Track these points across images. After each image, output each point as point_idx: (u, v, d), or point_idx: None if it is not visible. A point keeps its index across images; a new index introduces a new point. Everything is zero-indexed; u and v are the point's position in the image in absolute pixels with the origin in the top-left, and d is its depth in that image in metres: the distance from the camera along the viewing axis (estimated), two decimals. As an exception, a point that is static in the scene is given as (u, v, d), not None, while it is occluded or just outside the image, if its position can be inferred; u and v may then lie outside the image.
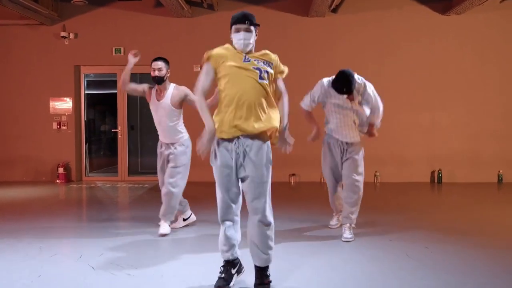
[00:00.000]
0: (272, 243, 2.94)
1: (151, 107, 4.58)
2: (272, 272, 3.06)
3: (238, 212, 3.01)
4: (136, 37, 8.64)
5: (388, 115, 8.38)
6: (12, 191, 7.58)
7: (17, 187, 7.97)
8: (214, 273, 3.10)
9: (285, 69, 3.16)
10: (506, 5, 8.31)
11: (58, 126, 8.72)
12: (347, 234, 4.32)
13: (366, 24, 8.58)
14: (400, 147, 8.57)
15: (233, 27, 3.02)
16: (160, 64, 4.47)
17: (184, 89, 4.53)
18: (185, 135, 4.64)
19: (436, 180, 8.52)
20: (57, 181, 8.53)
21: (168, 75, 4.55)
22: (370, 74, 8.28)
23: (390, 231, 4.75)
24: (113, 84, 9.21)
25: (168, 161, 4.58)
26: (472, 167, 8.50)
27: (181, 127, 4.64)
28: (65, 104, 8.74)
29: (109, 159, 10.00)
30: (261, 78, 2.92)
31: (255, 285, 2.97)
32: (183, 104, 4.57)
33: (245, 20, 2.99)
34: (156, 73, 4.45)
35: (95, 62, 8.78)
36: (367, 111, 4.31)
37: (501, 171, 8.45)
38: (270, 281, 2.99)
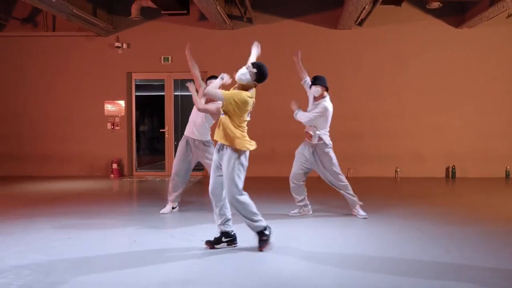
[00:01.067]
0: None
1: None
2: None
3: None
4: (182, 47, 9.57)
5: (407, 116, 9.52)
6: (81, 183, 8.55)
7: (81, 180, 8.94)
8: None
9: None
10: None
11: (112, 127, 9.69)
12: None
13: (388, 36, 9.60)
14: (418, 145, 9.57)
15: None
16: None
17: None
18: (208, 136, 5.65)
19: (450, 175, 9.53)
20: (111, 175, 9.49)
21: None
22: (391, 81, 9.47)
23: (405, 213, 5.74)
24: (159, 87, 10.19)
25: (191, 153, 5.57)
26: (482, 164, 9.51)
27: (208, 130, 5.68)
28: (118, 107, 9.71)
29: (154, 157, 10.98)
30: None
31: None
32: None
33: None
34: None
35: (145, 69, 9.77)
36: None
37: (508, 167, 9.46)
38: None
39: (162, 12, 9.16)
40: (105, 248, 4.14)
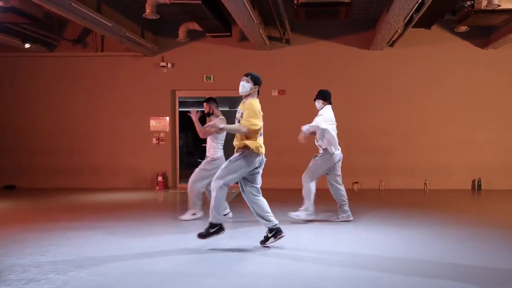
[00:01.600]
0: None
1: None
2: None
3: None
4: (223, 66, 10.22)
5: (435, 132, 10.13)
6: (131, 195, 9.09)
7: (130, 192, 9.49)
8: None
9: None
10: (535, 41, 9.96)
11: (157, 141, 10.26)
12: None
13: (417, 57, 10.19)
14: (446, 159, 10.16)
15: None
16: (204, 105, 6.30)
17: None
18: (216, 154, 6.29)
19: (476, 188, 10.12)
20: (157, 187, 10.06)
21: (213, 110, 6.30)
22: (420, 99, 10.08)
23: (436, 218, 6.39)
24: (200, 103, 10.71)
25: None
26: (506, 176, 10.10)
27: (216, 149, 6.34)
28: (162, 123, 10.28)
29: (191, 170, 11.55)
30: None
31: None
32: None
33: (248, 74, 4.70)
34: (206, 110, 6.27)
35: (188, 87, 10.36)
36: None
37: (531, 179, 10.08)
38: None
39: (207, 34, 9.72)
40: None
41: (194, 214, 6.24)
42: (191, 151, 11.46)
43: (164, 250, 4.75)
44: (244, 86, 4.64)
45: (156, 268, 4.07)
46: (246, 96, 4.68)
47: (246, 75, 4.69)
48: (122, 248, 4.82)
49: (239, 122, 4.62)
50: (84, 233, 5.56)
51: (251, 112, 4.52)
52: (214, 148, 6.18)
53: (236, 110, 4.79)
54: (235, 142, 4.69)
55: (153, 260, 4.35)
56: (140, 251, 4.70)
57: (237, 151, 4.64)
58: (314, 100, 6.35)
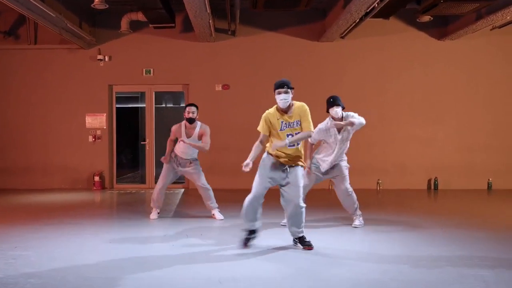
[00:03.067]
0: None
1: (180, 140, 5.94)
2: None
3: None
4: (164, 59, 9.61)
5: (390, 129, 9.51)
6: (74, 196, 8.55)
7: (65, 193, 8.91)
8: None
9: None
10: (495, 32, 9.36)
11: (93, 139, 9.65)
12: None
13: (370, 49, 9.59)
14: (401, 157, 9.58)
15: (276, 91, 4.39)
16: (193, 109, 5.95)
17: (206, 128, 5.99)
18: (196, 155, 6.18)
19: (432, 187, 9.53)
20: (94, 188, 9.46)
21: (197, 117, 5.99)
22: (374, 93, 9.43)
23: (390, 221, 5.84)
24: (137, 99, 10.19)
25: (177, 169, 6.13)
26: (465, 176, 9.52)
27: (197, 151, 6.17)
28: (99, 120, 9.67)
29: (128, 170, 11.06)
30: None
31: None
32: None
33: (283, 85, 4.35)
34: (190, 115, 5.92)
35: (126, 81, 9.72)
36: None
37: (490, 179, 9.47)
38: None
39: (151, 25, 9.13)
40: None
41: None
42: (131, 148, 10.92)
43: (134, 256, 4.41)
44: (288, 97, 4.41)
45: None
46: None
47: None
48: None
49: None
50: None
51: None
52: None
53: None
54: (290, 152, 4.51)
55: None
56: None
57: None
58: (331, 108, 5.47)
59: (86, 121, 9.68)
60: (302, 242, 4.60)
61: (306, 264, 4.17)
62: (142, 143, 9.94)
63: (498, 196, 8.72)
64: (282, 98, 4.32)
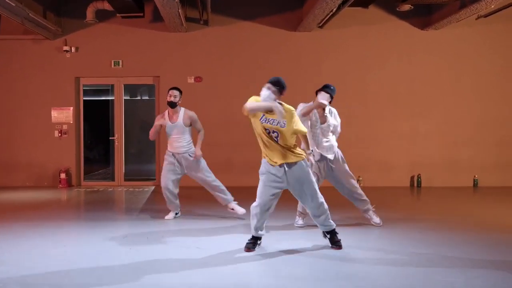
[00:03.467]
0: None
1: (166, 128, 5.62)
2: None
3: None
4: (134, 50, 9.16)
5: (371, 123, 9.04)
6: (38, 194, 8.14)
7: (29, 191, 8.45)
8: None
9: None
10: (480, 22, 8.90)
11: (59, 134, 9.19)
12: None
13: (350, 39, 9.13)
14: (382, 153, 9.11)
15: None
16: (176, 92, 5.58)
17: (193, 114, 5.66)
18: (192, 147, 5.72)
19: (415, 184, 9.05)
20: (60, 185, 9.00)
21: (180, 101, 5.62)
22: (355, 86, 8.97)
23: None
24: (107, 91, 9.73)
25: (180, 166, 5.69)
26: (449, 172, 9.05)
27: (191, 140, 5.75)
28: (66, 114, 9.21)
29: (100, 166, 10.65)
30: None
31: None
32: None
33: (276, 83, 4.14)
34: (172, 99, 5.55)
35: (94, 73, 9.25)
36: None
37: (476, 176, 9.00)
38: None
39: (118, 15, 8.70)
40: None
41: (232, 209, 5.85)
42: (101, 143, 10.50)
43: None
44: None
45: None
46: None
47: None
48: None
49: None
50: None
51: None
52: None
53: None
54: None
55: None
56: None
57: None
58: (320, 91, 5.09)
59: (52, 115, 9.21)
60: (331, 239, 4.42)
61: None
62: (110, 138, 9.47)
63: (483, 194, 8.30)
64: (263, 94, 4.10)
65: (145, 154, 10.14)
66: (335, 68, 9.08)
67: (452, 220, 5.80)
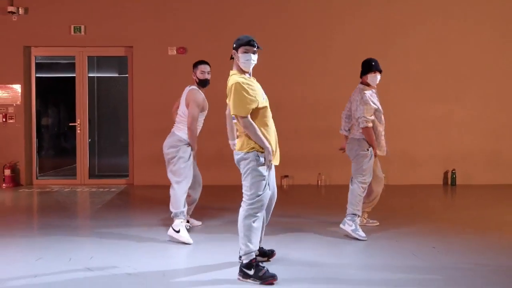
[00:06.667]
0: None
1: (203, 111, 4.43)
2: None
3: None
4: (99, 13, 7.43)
5: (395, 108, 7.36)
6: None
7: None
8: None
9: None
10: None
11: (3, 119, 7.38)
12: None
13: (369, 3, 7.50)
14: (408, 145, 7.58)
15: (243, 47, 3.29)
16: (208, 68, 4.45)
17: (194, 93, 4.42)
18: None
19: (449, 182, 7.57)
20: (4, 185, 7.19)
21: None
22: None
23: (397, 233, 4.49)
24: (68, 66, 7.95)
25: None
26: (491, 167, 7.63)
27: None
28: (12, 93, 7.42)
29: (61, 160, 8.91)
30: None
31: None
32: None
33: (255, 44, 3.30)
34: (206, 75, 4.42)
35: (49, 42, 7.55)
36: None
37: (524, 171, 7.56)
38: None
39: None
40: None
41: None
42: (63, 132, 8.85)
43: None
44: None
45: None
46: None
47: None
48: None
49: None
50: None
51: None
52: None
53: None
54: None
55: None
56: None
57: None
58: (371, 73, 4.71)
59: (-6, 95, 7.37)
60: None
61: None
62: (70, 124, 7.63)
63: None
64: (251, 59, 3.30)
65: (118, 145, 8.46)
66: (347, 41, 7.59)
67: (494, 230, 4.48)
